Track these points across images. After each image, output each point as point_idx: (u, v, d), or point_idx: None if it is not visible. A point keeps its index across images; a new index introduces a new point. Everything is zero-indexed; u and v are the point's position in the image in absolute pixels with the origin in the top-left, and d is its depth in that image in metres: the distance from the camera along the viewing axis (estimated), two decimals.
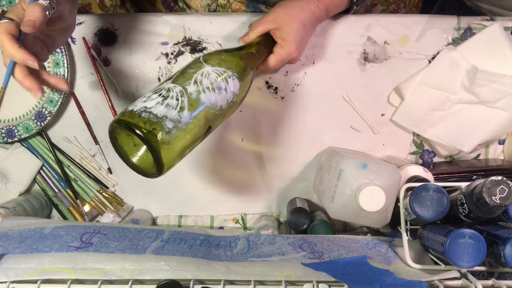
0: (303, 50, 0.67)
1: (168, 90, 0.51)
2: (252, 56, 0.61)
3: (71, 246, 0.55)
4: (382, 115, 0.75)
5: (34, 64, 0.47)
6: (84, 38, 0.72)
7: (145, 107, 0.48)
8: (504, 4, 0.75)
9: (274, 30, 0.63)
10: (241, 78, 0.57)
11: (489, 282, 0.51)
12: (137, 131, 0.46)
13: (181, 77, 0.53)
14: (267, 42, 0.64)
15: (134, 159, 0.52)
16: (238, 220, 0.79)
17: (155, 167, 0.49)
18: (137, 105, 0.49)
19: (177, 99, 0.50)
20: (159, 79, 0.74)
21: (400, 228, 0.59)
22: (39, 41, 0.51)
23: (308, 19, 0.63)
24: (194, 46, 0.73)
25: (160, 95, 0.50)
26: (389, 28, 0.73)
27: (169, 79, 0.54)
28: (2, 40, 0.46)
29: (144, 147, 0.51)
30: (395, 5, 0.80)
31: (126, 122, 0.47)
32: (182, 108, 0.50)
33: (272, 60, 0.65)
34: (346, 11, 0.69)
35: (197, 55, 0.73)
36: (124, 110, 0.50)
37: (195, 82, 0.52)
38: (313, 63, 0.74)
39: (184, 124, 0.50)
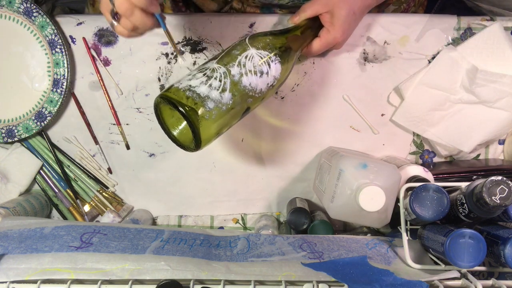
0: (349, 37, 0.67)
1: (213, 70, 0.53)
2: (297, 39, 0.62)
3: (71, 246, 0.55)
4: (382, 115, 0.75)
5: (157, 8, 0.49)
6: (84, 38, 0.72)
7: (190, 85, 0.51)
8: (504, 4, 0.75)
9: (324, 14, 0.63)
10: (283, 62, 0.58)
11: (489, 282, 0.51)
12: (180, 108, 0.49)
13: (226, 57, 0.55)
14: (314, 25, 0.64)
15: (175, 133, 0.55)
16: (238, 220, 0.79)
17: (194, 143, 0.52)
18: (183, 83, 0.52)
19: (220, 80, 0.52)
20: (159, 79, 0.74)
21: (400, 228, 0.59)
22: None
23: (358, 7, 0.63)
24: (194, 46, 0.73)
25: (204, 74, 0.52)
26: (389, 28, 0.73)
27: (214, 58, 0.55)
28: None
29: (185, 123, 0.54)
30: (406, 4, 0.80)
31: (170, 98, 0.50)
32: (224, 90, 0.52)
33: (317, 44, 0.64)
34: None
35: (197, 55, 0.73)
36: (170, 86, 0.52)
37: (239, 64, 0.54)
38: (313, 63, 0.74)
39: (225, 104, 0.52)
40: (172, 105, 0.50)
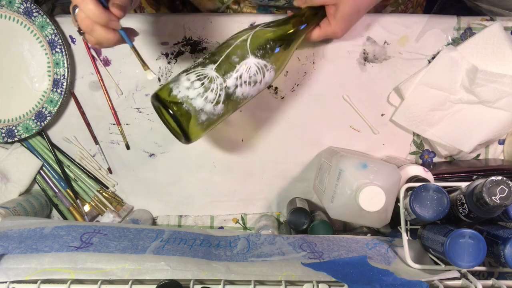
0: (347, 31, 0.68)
1: (210, 80, 0.54)
2: (300, 25, 0.62)
3: (71, 246, 0.55)
4: (382, 115, 0.75)
5: (117, 25, 0.49)
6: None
7: (187, 96, 0.53)
8: (504, 4, 0.75)
9: (330, 6, 0.63)
10: (283, 51, 0.59)
11: (489, 282, 0.51)
12: (173, 114, 0.53)
13: (224, 65, 0.55)
14: (317, 14, 0.64)
15: (170, 125, 0.57)
16: (238, 220, 0.79)
17: (184, 139, 0.56)
18: (181, 91, 0.54)
19: (216, 93, 0.54)
20: (159, 79, 0.74)
21: (400, 228, 0.60)
22: None
23: (364, 5, 0.64)
24: (194, 46, 0.73)
25: (202, 84, 0.54)
26: (389, 28, 0.73)
27: (213, 61, 0.56)
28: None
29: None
30: (404, 6, 0.80)
31: (167, 105, 0.53)
32: (217, 102, 0.55)
33: (316, 33, 0.66)
34: None
35: (197, 55, 0.73)
36: (170, 88, 0.54)
37: (236, 75, 0.55)
38: (313, 63, 0.74)
39: (216, 115, 0.56)
40: (166, 110, 0.53)
